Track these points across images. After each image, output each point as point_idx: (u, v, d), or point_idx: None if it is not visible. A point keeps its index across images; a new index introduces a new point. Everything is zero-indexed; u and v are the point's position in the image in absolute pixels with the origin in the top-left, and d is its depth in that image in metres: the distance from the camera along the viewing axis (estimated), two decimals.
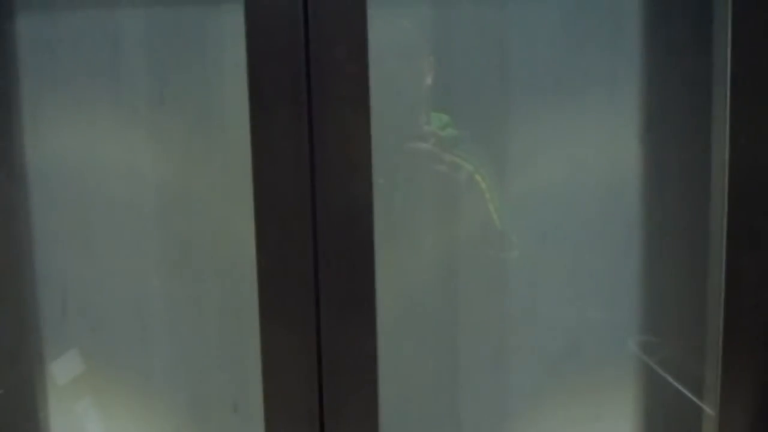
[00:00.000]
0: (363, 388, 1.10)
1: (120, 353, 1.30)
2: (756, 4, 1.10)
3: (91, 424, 1.32)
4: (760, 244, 1.15)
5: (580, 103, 1.26)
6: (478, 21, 1.24)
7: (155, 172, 1.27)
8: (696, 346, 1.24)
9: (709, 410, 1.20)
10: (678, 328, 1.29)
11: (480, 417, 1.32)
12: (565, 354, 1.30)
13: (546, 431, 1.32)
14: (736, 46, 1.11)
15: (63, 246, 1.28)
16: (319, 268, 1.08)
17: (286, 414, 1.10)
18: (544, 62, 1.25)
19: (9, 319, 1.26)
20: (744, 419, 1.16)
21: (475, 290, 1.29)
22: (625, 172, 1.28)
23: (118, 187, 1.26)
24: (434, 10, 1.24)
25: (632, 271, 1.30)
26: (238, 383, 1.28)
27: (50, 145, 1.26)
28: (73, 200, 1.27)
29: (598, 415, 1.32)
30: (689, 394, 1.25)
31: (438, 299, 1.30)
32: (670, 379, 1.28)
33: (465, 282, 1.29)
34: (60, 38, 1.23)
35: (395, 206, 1.26)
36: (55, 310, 1.29)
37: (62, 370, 1.30)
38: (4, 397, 1.24)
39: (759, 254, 1.15)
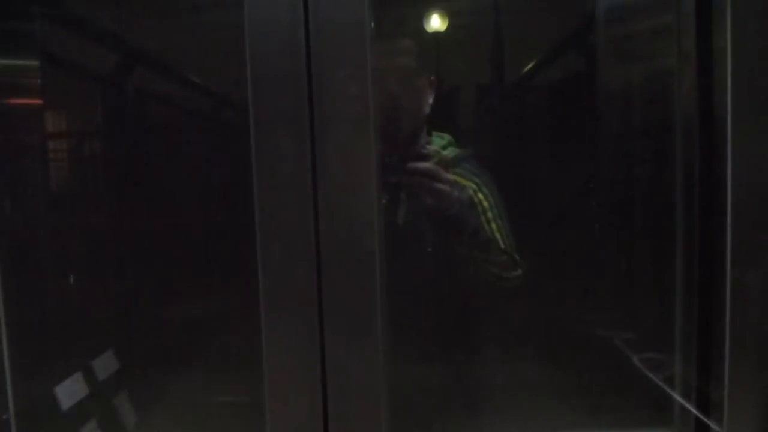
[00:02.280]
0: (368, 411, 1.09)
1: (126, 375, 1.30)
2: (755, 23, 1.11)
3: None
4: (765, 259, 1.15)
5: (585, 122, 1.27)
6: (480, 40, 1.25)
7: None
8: (702, 361, 1.23)
9: (717, 427, 1.20)
10: (683, 343, 1.28)
11: None
12: (569, 368, 1.30)
13: None
14: (735, 61, 1.11)
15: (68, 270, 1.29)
16: (322, 289, 1.08)
17: None
18: (548, 79, 1.26)
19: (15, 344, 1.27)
20: None
21: (478, 308, 1.29)
22: (627, 184, 1.28)
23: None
24: (437, 30, 1.25)
25: (637, 286, 1.30)
26: (241, 406, 1.28)
27: None
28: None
29: None
30: (696, 411, 1.24)
31: (442, 317, 1.30)
32: (677, 396, 1.27)
33: (468, 300, 1.29)
34: None
35: (397, 225, 1.26)
36: (60, 334, 1.29)
37: (67, 394, 1.29)
38: (10, 422, 1.24)
39: (763, 268, 1.15)
